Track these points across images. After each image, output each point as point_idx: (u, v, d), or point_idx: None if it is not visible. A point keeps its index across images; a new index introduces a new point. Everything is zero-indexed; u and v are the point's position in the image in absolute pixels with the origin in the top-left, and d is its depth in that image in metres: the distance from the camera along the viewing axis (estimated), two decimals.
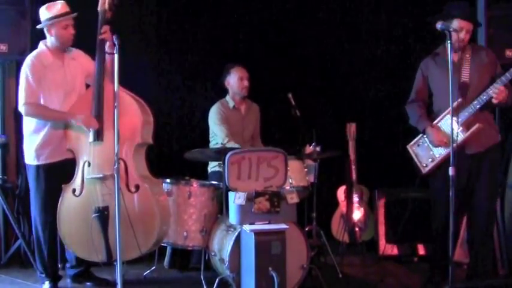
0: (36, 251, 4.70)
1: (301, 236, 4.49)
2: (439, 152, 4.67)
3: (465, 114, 4.52)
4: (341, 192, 6.04)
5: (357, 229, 5.95)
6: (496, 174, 4.78)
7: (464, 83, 4.56)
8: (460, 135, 4.51)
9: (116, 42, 4.08)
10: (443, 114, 4.64)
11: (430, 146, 4.72)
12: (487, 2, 5.44)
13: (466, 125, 4.52)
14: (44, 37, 4.66)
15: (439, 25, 4.27)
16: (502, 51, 5.37)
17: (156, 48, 6.18)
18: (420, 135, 4.81)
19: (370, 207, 6.01)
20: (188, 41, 6.25)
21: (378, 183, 5.94)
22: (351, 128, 5.92)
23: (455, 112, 4.52)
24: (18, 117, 5.57)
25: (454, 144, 4.18)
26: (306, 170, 5.00)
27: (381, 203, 5.84)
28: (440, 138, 4.62)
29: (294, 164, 4.89)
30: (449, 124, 4.44)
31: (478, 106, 4.49)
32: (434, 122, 4.70)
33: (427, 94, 4.83)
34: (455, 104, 4.51)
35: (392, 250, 5.71)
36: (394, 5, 6.38)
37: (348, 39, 6.44)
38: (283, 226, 4.31)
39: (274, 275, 4.11)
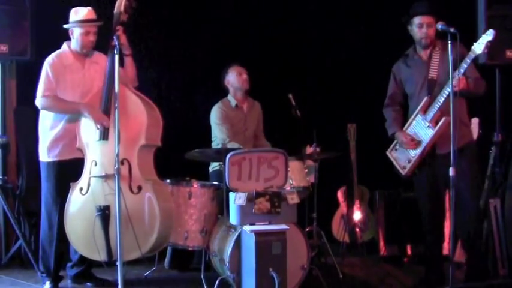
0: (40, 250, 4.69)
1: (301, 236, 4.49)
2: (415, 152, 4.66)
3: (433, 110, 4.53)
4: (341, 193, 6.04)
5: (357, 230, 5.95)
6: (476, 173, 4.71)
7: (432, 79, 4.58)
8: (430, 131, 4.53)
9: (116, 43, 4.13)
10: (413, 117, 4.66)
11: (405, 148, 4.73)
12: (487, 2, 5.43)
13: (435, 121, 4.52)
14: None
15: (439, 25, 4.28)
16: (502, 51, 5.37)
17: (157, 48, 6.17)
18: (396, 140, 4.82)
19: (370, 208, 6.01)
20: (188, 41, 6.25)
21: (378, 184, 5.93)
22: (352, 129, 5.92)
23: (424, 110, 4.58)
24: (18, 118, 5.59)
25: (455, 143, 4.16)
26: (306, 170, 5.00)
27: (381, 204, 5.83)
28: (409, 140, 4.63)
29: (294, 165, 4.89)
30: (421, 124, 4.57)
31: (441, 100, 4.47)
32: (405, 128, 4.71)
33: (402, 97, 4.84)
34: (423, 102, 4.59)
35: (393, 251, 5.70)
36: (396, 5, 6.36)
37: (349, 40, 6.44)
38: (283, 227, 4.30)
39: (274, 275, 4.11)
